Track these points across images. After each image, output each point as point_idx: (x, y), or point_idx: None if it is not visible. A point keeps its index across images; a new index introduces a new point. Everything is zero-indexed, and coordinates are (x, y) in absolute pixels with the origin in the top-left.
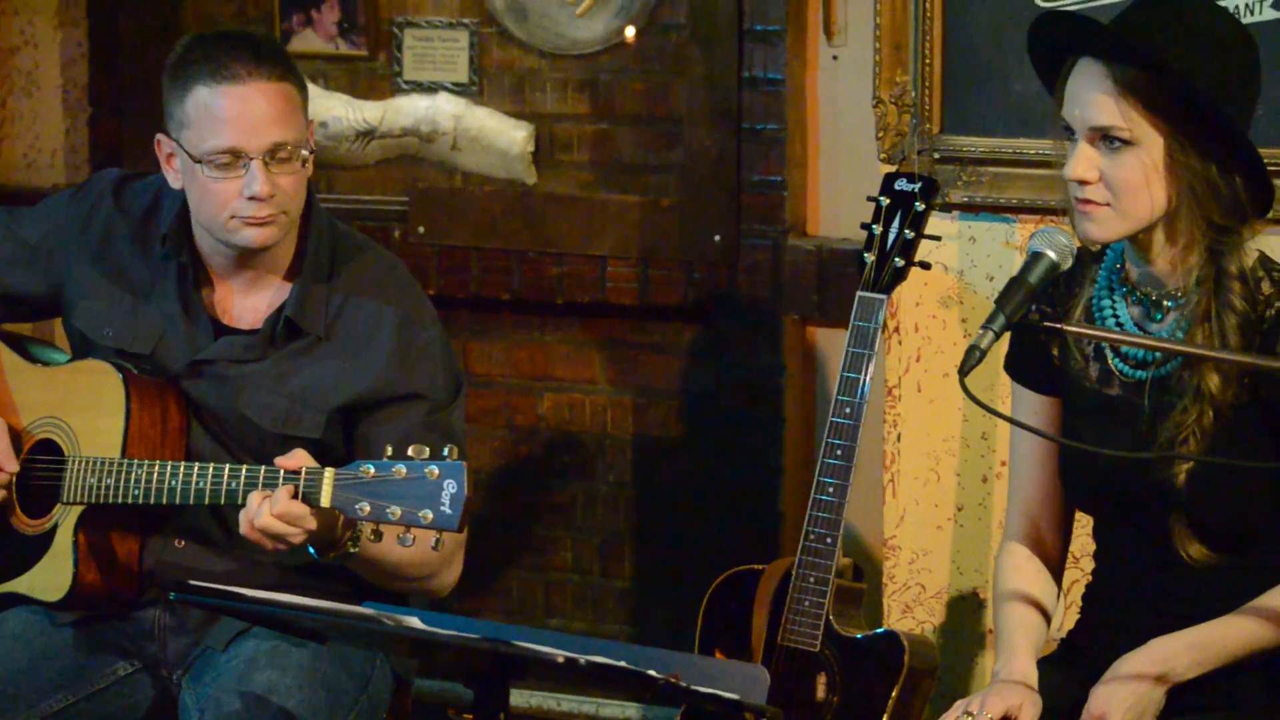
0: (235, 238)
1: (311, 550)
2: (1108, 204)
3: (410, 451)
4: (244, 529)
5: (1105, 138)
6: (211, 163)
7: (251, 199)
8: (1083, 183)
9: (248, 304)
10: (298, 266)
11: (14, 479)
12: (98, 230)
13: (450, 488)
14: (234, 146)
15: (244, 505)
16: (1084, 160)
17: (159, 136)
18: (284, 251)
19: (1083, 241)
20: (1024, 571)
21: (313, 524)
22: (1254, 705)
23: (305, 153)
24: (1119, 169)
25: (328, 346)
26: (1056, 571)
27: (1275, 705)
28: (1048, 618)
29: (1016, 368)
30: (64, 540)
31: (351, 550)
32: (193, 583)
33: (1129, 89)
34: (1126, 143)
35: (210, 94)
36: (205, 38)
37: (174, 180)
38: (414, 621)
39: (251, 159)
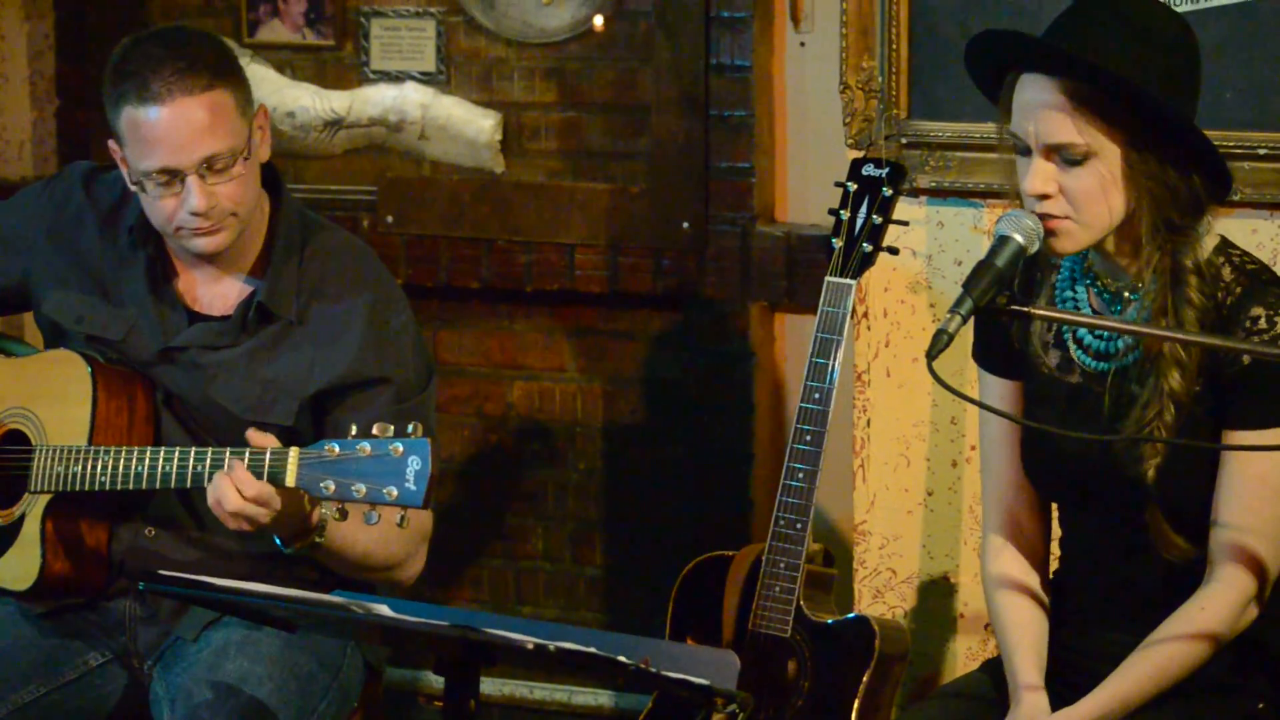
0: (187, 246)
1: (278, 542)
2: (1068, 217)
3: (375, 430)
4: (210, 502)
5: (1062, 153)
6: (149, 180)
7: (193, 214)
8: (1041, 197)
9: (217, 291)
10: (267, 253)
11: None
12: (68, 221)
13: (415, 464)
14: (165, 165)
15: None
16: (1040, 175)
17: (110, 143)
18: (251, 241)
19: (1049, 255)
20: (1014, 581)
21: (278, 504)
22: (1214, 690)
23: (244, 158)
24: (1077, 181)
25: (300, 332)
26: (1041, 558)
27: (1235, 690)
28: (1044, 613)
29: (982, 355)
30: (32, 529)
31: (317, 540)
32: (162, 572)
33: (1082, 102)
34: (1084, 155)
35: (137, 114)
36: (133, 50)
37: (131, 185)
38: (383, 609)
39: (187, 175)
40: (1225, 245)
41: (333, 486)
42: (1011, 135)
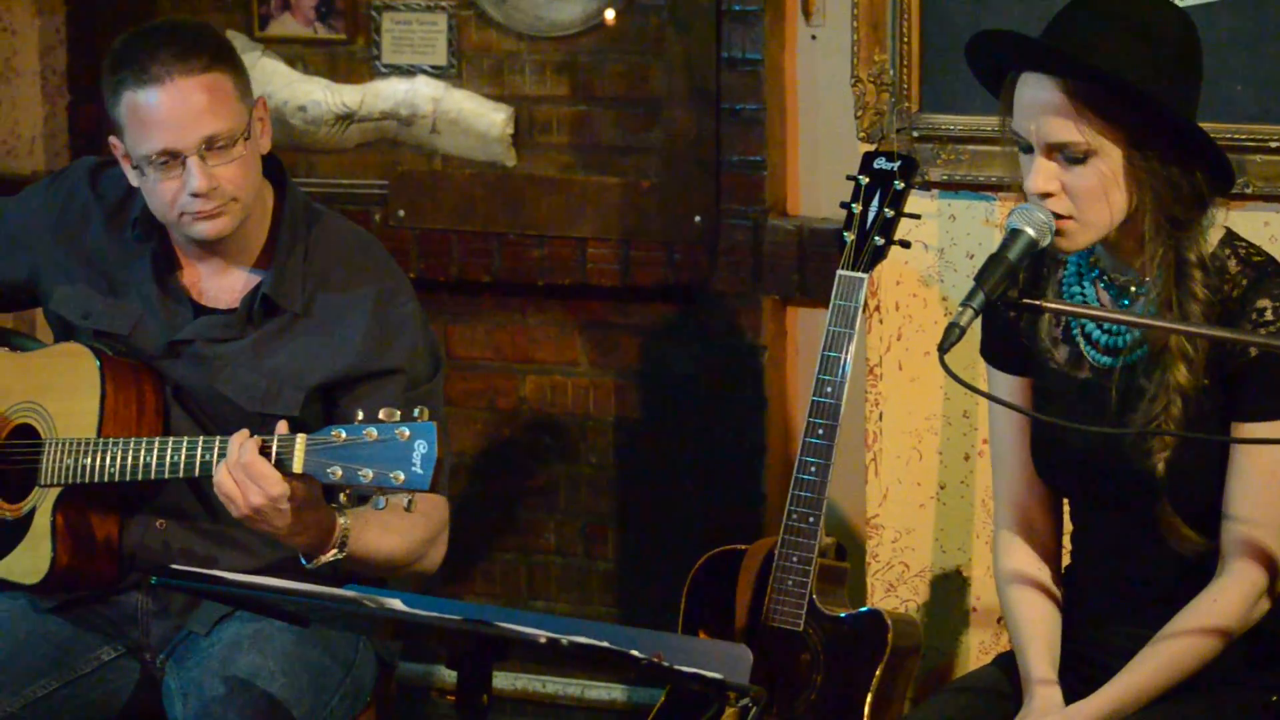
0: (190, 231)
1: (303, 561)
2: (1071, 216)
3: (381, 415)
4: (215, 482)
5: (1063, 152)
6: (150, 165)
7: (195, 195)
8: (1044, 195)
9: (222, 284)
10: (271, 245)
11: None
12: (74, 216)
13: (421, 448)
14: (166, 147)
15: None
16: (1043, 174)
17: (110, 139)
18: (254, 233)
19: (1054, 252)
20: (1026, 576)
21: (283, 489)
22: (1226, 683)
23: (244, 139)
24: (1079, 180)
25: (305, 324)
26: (1053, 554)
27: (1247, 683)
28: (1057, 608)
29: (990, 351)
30: (42, 522)
31: (340, 555)
32: (174, 566)
33: (1082, 102)
34: (1085, 154)
35: (136, 98)
36: (131, 40)
37: (133, 179)
38: (396, 604)
39: (187, 156)
40: (1231, 238)
41: (339, 472)
42: (1014, 133)
